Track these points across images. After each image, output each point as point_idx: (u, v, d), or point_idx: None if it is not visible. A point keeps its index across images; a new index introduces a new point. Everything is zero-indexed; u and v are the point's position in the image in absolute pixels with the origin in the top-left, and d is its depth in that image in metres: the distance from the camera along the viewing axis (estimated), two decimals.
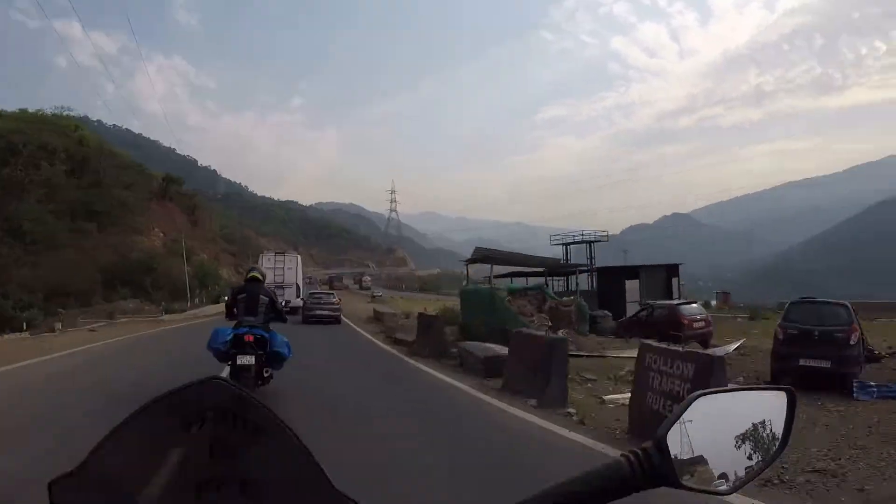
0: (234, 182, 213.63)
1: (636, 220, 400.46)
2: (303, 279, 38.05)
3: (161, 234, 61.72)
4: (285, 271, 34.12)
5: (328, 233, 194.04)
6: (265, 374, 7.71)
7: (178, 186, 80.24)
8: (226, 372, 7.29)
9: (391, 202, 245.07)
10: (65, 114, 55.85)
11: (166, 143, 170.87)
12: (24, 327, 27.19)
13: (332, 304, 29.02)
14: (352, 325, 27.40)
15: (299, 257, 37.69)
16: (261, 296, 7.90)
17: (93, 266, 41.60)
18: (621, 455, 0.81)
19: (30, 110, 52.78)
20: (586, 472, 0.79)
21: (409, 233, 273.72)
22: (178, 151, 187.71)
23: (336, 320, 27.62)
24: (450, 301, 35.57)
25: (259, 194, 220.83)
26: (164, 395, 0.86)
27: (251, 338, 7.33)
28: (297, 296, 33.90)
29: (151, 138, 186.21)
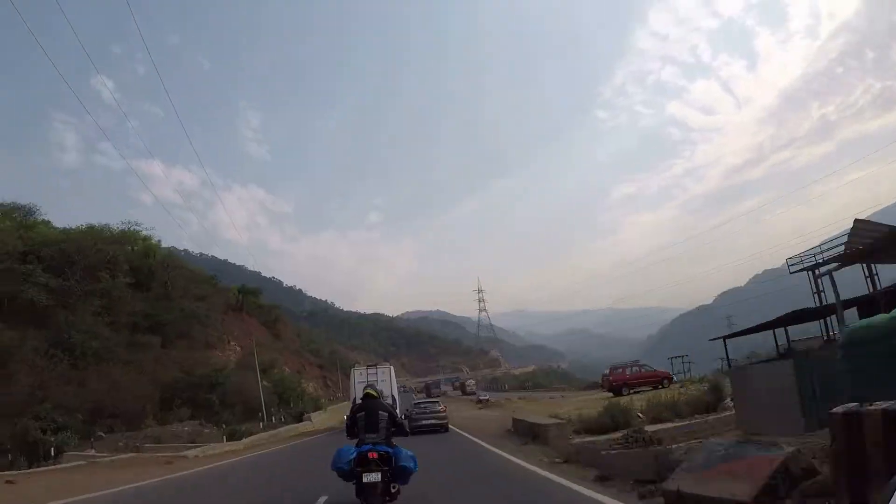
0: (320, 300, 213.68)
1: (728, 286, 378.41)
2: (397, 389, 36.39)
3: (238, 349, 57.21)
4: (378, 383, 29.74)
5: (417, 341, 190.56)
6: (392, 490, 7.61)
7: (255, 298, 77.55)
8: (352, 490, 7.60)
9: (479, 302, 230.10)
10: (132, 229, 51.41)
11: (251, 268, 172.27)
12: (52, 454, 23.69)
13: (438, 412, 28.94)
14: (478, 441, 20.87)
15: (392, 368, 35.48)
16: (379, 412, 7.97)
17: (150, 383, 35.40)
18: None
19: (96, 225, 48.57)
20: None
21: (498, 332, 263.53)
22: (263, 274, 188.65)
23: (444, 428, 27.57)
24: (578, 398, 37.89)
25: (345, 309, 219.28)
26: None
27: (375, 455, 7.38)
28: (396, 407, 28.90)
29: (237, 264, 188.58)
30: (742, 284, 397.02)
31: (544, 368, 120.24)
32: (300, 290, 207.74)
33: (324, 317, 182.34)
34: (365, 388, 8.68)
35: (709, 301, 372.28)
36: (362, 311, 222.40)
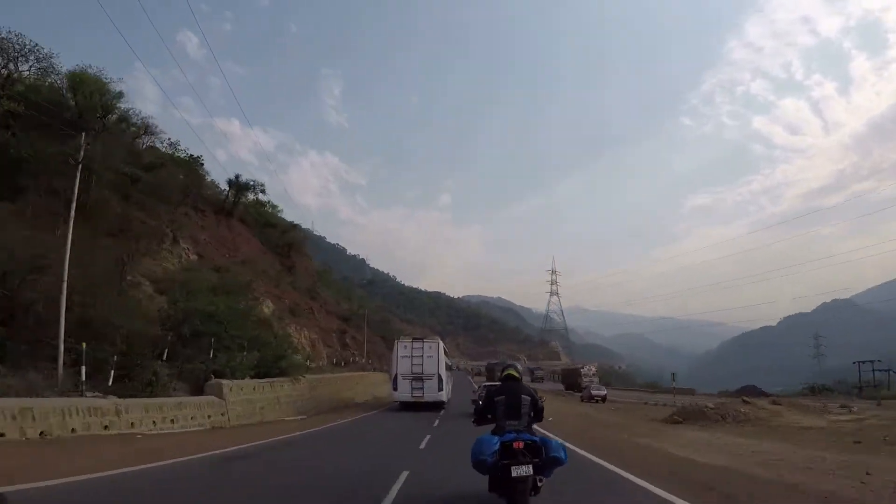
0: (382, 272, 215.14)
1: (793, 310, 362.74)
2: (447, 369, 32.57)
3: (191, 256, 38.27)
4: (424, 360, 29.17)
5: (476, 323, 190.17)
6: (538, 484, 6.68)
7: (260, 206, 61.81)
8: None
9: (552, 284, 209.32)
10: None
11: (317, 232, 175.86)
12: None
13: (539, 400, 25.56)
14: None
15: (441, 343, 31.57)
16: (522, 395, 6.89)
17: None
18: None
19: None
20: None
21: (557, 327, 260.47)
22: (328, 240, 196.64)
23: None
24: None
25: (406, 284, 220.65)
26: None
27: (521, 444, 6.34)
28: (440, 389, 29.15)
29: (302, 226, 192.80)
30: (808, 311, 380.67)
31: (605, 368, 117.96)
32: (363, 260, 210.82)
33: (384, 286, 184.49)
34: (505, 368, 7.52)
35: (772, 324, 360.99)
36: (423, 289, 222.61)
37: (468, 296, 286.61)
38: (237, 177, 54.80)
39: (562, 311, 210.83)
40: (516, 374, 7.26)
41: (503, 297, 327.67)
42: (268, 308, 40.32)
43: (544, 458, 6.48)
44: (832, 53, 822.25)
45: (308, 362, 38.96)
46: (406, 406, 29.30)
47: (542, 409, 7.15)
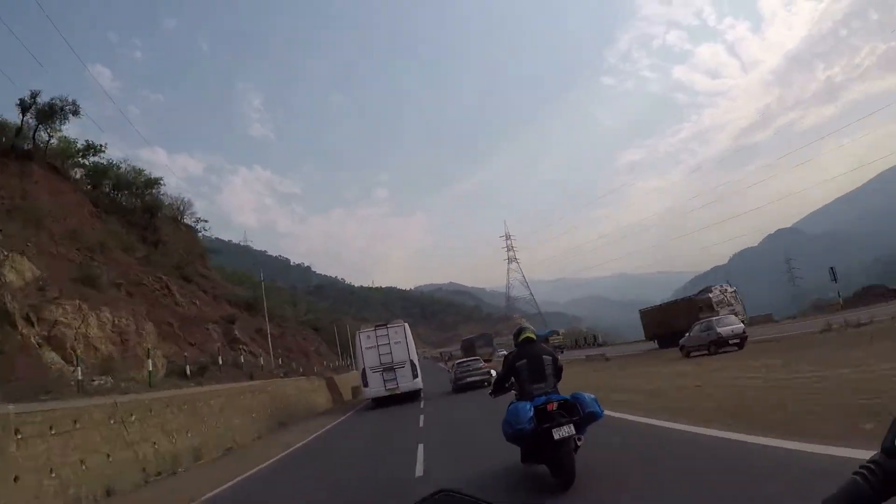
0: (330, 276, 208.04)
1: (740, 246, 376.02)
2: (418, 357, 30.06)
3: None
4: (392, 347, 26.30)
5: (433, 310, 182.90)
6: (578, 444, 6.22)
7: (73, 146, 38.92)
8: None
9: (508, 251, 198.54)
10: None
11: (257, 248, 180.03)
12: None
13: (480, 369, 29.12)
14: None
15: (407, 327, 28.00)
16: (543, 356, 6.73)
17: None
18: (854, 473, 0.84)
19: None
20: (826, 500, 0.84)
21: (521, 296, 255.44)
22: (270, 253, 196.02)
23: (489, 383, 24.14)
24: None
25: (356, 284, 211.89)
26: None
27: (554, 405, 6.14)
28: (414, 376, 26.27)
29: (240, 243, 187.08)
30: (755, 244, 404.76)
31: (573, 333, 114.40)
32: (308, 267, 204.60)
33: (332, 290, 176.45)
34: (520, 332, 7.11)
35: (723, 262, 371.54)
36: (374, 285, 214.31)
37: (419, 286, 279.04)
38: (34, 97, 32.99)
39: (524, 278, 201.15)
40: (533, 336, 7.02)
41: (454, 281, 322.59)
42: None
43: (582, 415, 6.20)
44: None
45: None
46: (380, 402, 26.11)
47: (562, 368, 6.97)
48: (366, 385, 26.56)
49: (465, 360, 34.04)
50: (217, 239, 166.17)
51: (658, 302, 48.36)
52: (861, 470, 0.93)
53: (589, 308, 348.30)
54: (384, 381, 26.03)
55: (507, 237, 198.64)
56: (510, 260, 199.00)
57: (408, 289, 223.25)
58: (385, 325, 27.83)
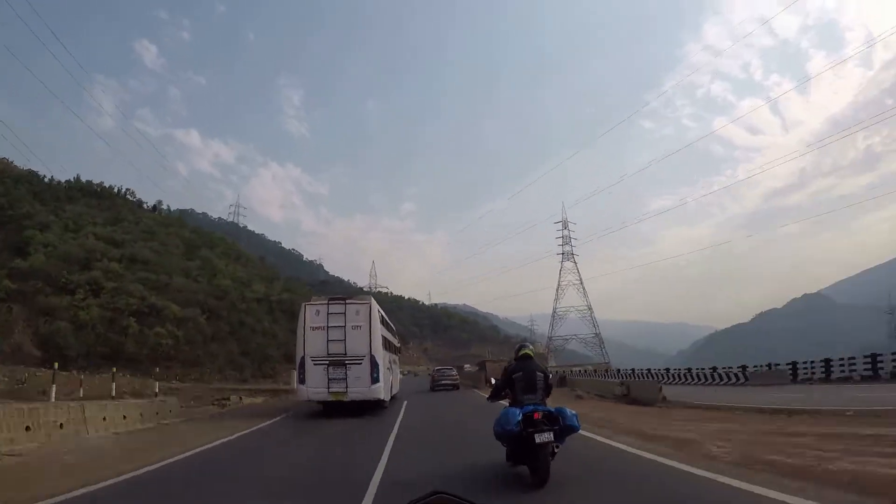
0: (341, 278, 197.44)
1: (765, 306, 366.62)
2: (388, 353, 22.96)
3: None
4: (347, 332, 18.72)
5: (445, 324, 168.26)
6: (555, 450, 7.33)
7: None
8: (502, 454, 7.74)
9: (563, 243, 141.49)
10: None
11: (270, 237, 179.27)
12: None
13: (452, 376, 37.44)
14: None
15: (374, 306, 20.19)
16: (537, 372, 7.83)
17: None
18: None
19: None
20: None
21: (522, 332, 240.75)
22: (284, 245, 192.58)
23: (456, 388, 35.52)
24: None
25: (364, 287, 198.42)
26: None
27: (539, 415, 7.15)
28: (374, 379, 18.57)
29: (256, 232, 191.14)
30: (780, 307, 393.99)
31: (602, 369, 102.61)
32: (321, 265, 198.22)
33: (339, 288, 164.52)
34: (520, 348, 8.36)
35: (745, 320, 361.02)
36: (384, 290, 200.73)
37: (433, 303, 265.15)
38: None
39: (581, 284, 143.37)
40: (531, 354, 8.15)
41: (468, 304, 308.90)
42: None
43: (561, 426, 7.20)
44: (790, 53, 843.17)
45: None
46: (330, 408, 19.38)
47: (551, 386, 8.24)
48: (302, 381, 19.22)
49: (441, 367, 43.22)
50: (233, 223, 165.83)
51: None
52: None
53: (608, 350, 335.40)
54: (328, 379, 18.76)
55: (564, 225, 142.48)
56: (565, 256, 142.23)
57: (419, 300, 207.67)
58: (343, 299, 20.17)
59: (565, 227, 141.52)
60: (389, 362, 23.18)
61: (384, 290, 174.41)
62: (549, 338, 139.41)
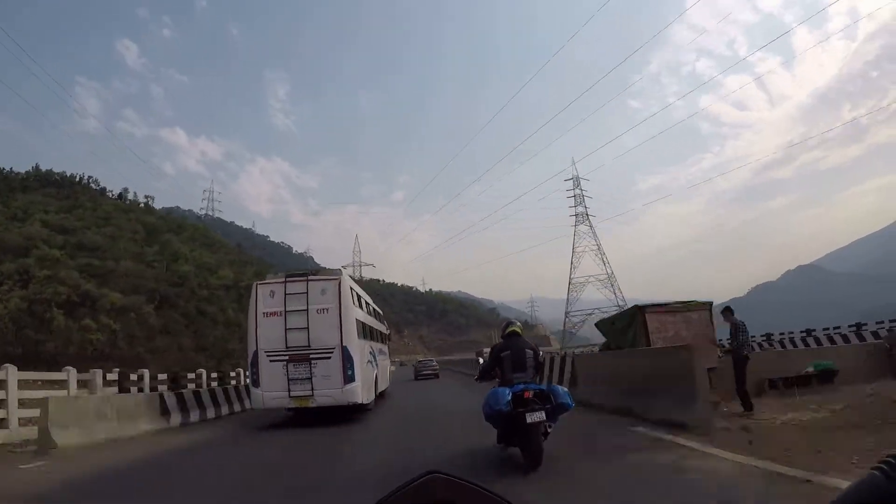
0: (331, 267, 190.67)
1: (759, 280, 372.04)
2: (368, 342, 18.27)
3: None
4: (312, 316, 14.83)
5: (442, 309, 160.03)
6: (548, 430, 7.13)
7: None
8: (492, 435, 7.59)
9: (576, 203, 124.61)
10: None
11: (259, 232, 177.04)
12: None
13: (433, 366, 42.27)
14: None
15: (347, 281, 16.20)
16: (526, 349, 7.63)
17: None
18: (872, 468, 0.81)
19: None
20: (843, 494, 0.82)
21: (523, 316, 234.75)
22: (272, 238, 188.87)
23: (436, 376, 39.24)
24: None
25: (355, 276, 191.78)
26: (387, 495, 0.94)
27: (529, 394, 6.91)
28: (347, 378, 14.73)
29: (243, 226, 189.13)
30: (774, 279, 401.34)
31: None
32: (311, 258, 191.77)
33: None
34: (507, 325, 8.13)
35: (741, 294, 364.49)
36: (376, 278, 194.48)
37: (426, 290, 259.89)
38: None
39: (601, 250, 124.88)
40: (518, 331, 7.91)
41: (462, 290, 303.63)
42: None
43: (553, 405, 6.94)
44: (774, 28, 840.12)
45: None
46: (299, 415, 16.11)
47: (542, 363, 8.92)
48: (255, 383, 15.15)
49: (423, 360, 50.77)
50: (219, 218, 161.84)
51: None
52: (880, 464, 0.88)
53: (591, 330, 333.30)
54: (289, 380, 14.77)
55: (576, 183, 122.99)
56: (578, 218, 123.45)
57: (413, 286, 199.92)
58: (304, 275, 15.90)
59: (577, 185, 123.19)
60: (371, 353, 18.81)
61: (368, 266, 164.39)
62: (567, 313, 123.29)
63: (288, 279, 15.39)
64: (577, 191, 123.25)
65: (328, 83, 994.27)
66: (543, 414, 6.69)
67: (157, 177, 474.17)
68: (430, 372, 39.94)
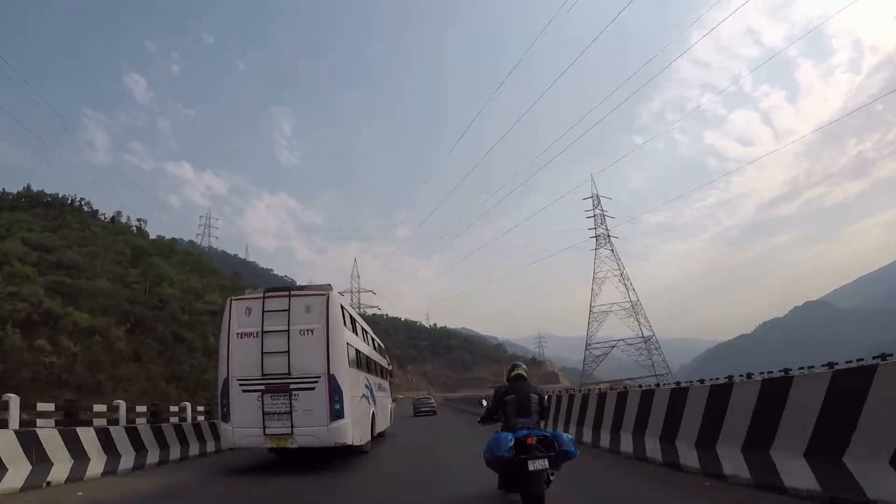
0: None
1: (767, 316, 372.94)
2: (363, 373, 15.87)
3: None
4: (293, 342, 12.55)
5: (447, 345, 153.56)
6: (551, 478, 6.87)
7: None
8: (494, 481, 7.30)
9: (596, 224, 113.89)
10: None
11: (263, 265, 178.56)
12: None
13: (431, 404, 46.50)
14: None
15: (337, 299, 13.43)
16: (531, 394, 7.29)
17: None
18: None
19: None
20: None
21: (530, 353, 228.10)
22: (275, 272, 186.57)
23: (434, 413, 43.66)
24: None
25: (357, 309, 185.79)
26: None
27: (533, 440, 6.63)
28: (335, 414, 12.32)
29: (248, 259, 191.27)
30: (782, 315, 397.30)
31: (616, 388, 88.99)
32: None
33: None
34: (513, 368, 7.72)
35: (748, 331, 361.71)
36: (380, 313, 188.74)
37: (431, 325, 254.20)
38: None
39: (623, 275, 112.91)
40: (524, 374, 7.56)
41: (467, 327, 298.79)
42: None
43: (557, 452, 6.69)
44: (778, 63, 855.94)
45: None
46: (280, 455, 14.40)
47: (548, 408, 7.71)
48: (225, 417, 12.73)
49: (421, 397, 56.56)
50: (224, 252, 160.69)
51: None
52: None
53: (607, 368, 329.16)
54: (264, 413, 12.37)
55: (595, 201, 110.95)
56: (599, 241, 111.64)
57: (417, 321, 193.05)
58: (287, 291, 13.42)
59: (597, 203, 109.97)
60: (367, 387, 16.31)
61: (368, 293, 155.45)
62: (588, 346, 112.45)
63: (267, 294, 13.26)
64: (598, 210, 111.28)
65: (331, 119, 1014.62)
66: (546, 462, 6.48)
67: (159, 207, 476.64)
68: (427, 409, 44.48)
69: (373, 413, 16.51)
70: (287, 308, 12.71)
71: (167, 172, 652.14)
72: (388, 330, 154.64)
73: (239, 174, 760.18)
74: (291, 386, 12.43)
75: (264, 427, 12.24)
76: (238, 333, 12.82)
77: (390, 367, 25.11)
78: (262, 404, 12.36)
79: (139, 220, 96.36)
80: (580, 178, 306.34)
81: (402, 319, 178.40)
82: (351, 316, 15.02)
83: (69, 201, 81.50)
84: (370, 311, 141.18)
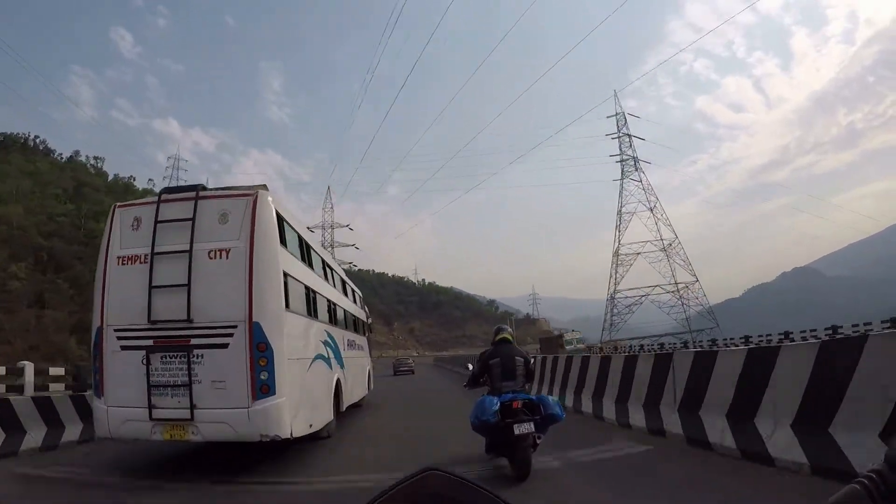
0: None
1: (755, 281, 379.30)
2: (321, 324, 10.68)
3: None
4: (196, 266, 7.45)
5: (436, 301, 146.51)
6: (537, 441, 6.73)
7: None
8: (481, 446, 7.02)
9: (622, 150, 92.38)
10: None
11: None
12: None
13: (409, 364, 50.38)
14: None
15: (270, 204, 7.85)
16: (516, 357, 7.17)
17: None
18: (854, 482, 0.83)
19: None
20: None
21: (524, 311, 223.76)
22: None
23: (412, 372, 45.52)
24: None
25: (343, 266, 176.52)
26: (384, 491, 0.96)
27: (519, 403, 6.60)
28: (265, 388, 7.18)
29: None
30: (770, 280, 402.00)
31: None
32: None
33: None
34: (498, 332, 7.50)
35: (736, 294, 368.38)
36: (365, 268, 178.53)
37: (419, 280, 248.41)
38: None
39: (654, 210, 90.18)
40: (509, 338, 7.45)
41: (455, 286, 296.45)
42: None
43: (543, 415, 6.66)
44: (773, 30, 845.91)
45: None
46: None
47: (533, 371, 7.69)
48: (97, 390, 7.80)
49: (400, 358, 60.06)
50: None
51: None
52: (862, 479, 0.88)
53: (594, 328, 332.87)
54: (149, 385, 7.44)
55: (621, 120, 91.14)
56: (625, 170, 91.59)
57: (405, 277, 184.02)
58: (193, 191, 8.01)
59: (623, 123, 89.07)
60: (325, 343, 10.69)
61: (344, 228, 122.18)
62: (610, 296, 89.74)
63: (164, 197, 8.16)
64: (623, 132, 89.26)
65: (322, 76, 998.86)
66: (532, 425, 6.45)
67: (151, 166, 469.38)
68: (406, 368, 47.39)
69: (336, 380, 11.46)
70: (192, 216, 7.87)
71: (154, 129, 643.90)
72: (375, 286, 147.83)
73: (228, 131, 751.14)
74: (193, 341, 7.69)
75: (150, 406, 7.55)
76: (119, 258, 8.12)
77: (369, 320, 19.54)
78: (148, 371, 7.66)
79: (95, 157, 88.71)
80: (577, 141, 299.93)
81: (390, 275, 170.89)
82: (298, 235, 9.78)
83: (23, 140, 75.44)
84: (346, 255, 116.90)
